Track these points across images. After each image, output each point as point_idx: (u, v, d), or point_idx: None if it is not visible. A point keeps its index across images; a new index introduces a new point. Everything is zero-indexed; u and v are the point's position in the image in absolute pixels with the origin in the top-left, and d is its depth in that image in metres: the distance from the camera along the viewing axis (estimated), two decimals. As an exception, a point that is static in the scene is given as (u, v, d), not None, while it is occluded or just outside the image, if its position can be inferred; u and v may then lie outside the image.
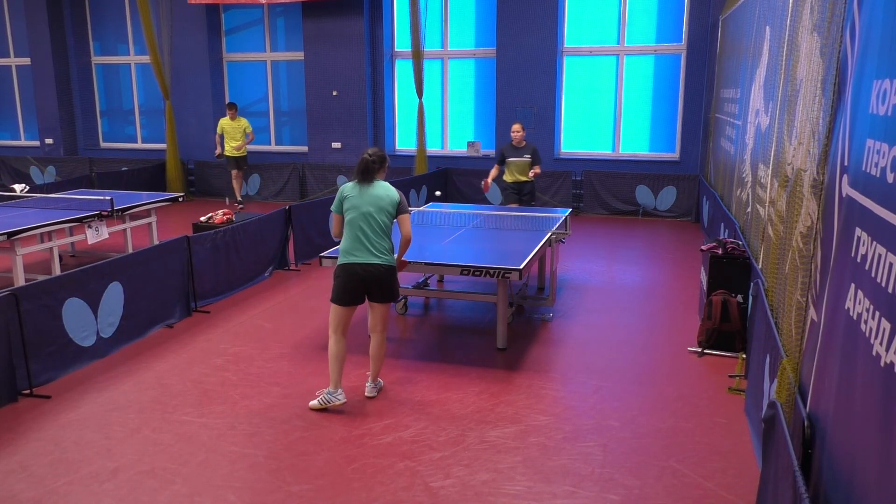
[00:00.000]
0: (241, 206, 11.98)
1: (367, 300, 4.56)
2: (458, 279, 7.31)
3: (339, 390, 4.50)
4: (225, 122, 11.71)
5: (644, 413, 4.47)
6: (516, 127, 8.00)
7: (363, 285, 4.44)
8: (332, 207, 4.55)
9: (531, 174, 7.91)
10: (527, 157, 7.96)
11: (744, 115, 6.87)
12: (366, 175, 4.45)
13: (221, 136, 11.81)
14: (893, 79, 2.13)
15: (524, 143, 8.02)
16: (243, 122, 11.78)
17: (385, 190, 4.47)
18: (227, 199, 12.82)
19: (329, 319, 4.57)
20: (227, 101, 13.78)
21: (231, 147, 11.72)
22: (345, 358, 4.54)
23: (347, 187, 4.49)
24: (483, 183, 8.05)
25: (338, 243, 4.72)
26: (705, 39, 10.94)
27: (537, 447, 4.04)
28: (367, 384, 4.75)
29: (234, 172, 12.00)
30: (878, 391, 2.01)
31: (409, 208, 4.62)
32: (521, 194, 8.15)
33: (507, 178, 8.15)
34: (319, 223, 8.64)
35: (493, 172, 8.12)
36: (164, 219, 10.40)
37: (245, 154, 11.99)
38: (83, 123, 14.51)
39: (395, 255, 4.61)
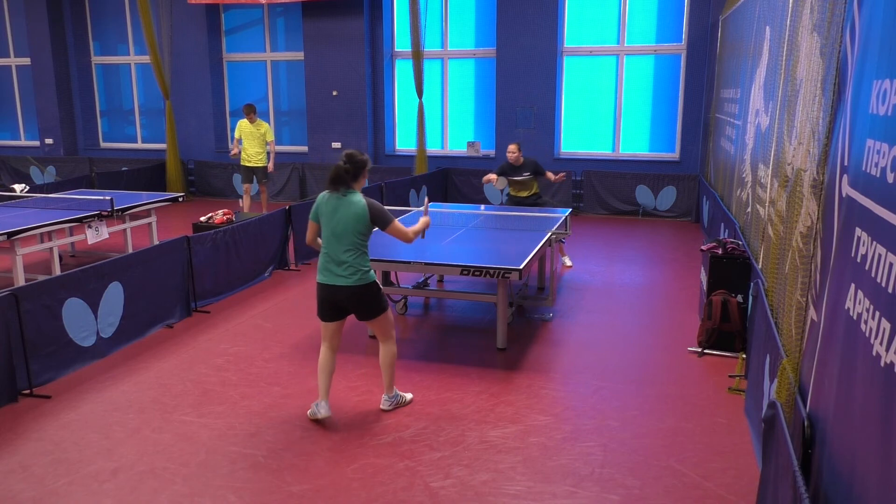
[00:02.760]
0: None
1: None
2: (458, 279, 7.31)
3: (323, 403, 4.32)
4: (244, 126, 10.36)
5: (644, 413, 4.47)
6: (512, 147, 7.97)
7: (338, 304, 4.25)
8: (311, 215, 4.28)
9: (556, 178, 8.01)
10: (527, 175, 8.01)
11: (744, 115, 6.87)
12: (335, 183, 4.14)
13: (240, 142, 10.47)
14: (893, 79, 2.13)
15: (522, 160, 8.03)
16: (264, 127, 10.38)
17: (355, 206, 4.12)
18: (240, 204, 11.14)
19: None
20: (228, 101, 13.78)
21: (246, 155, 10.41)
22: (332, 370, 4.38)
23: (323, 197, 4.23)
24: (487, 179, 7.94)
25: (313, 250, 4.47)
26: (705, 39, 10.94)
27: (537, 447, 4.04)
28: (383, 396, 4.55)
29: (246, 187, 10.58)
30: (878, 391, 2.01)
31: (392, 217, 4.27)
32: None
33: (511, 192, 8.22)
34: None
35: (493, 177, 8.02)
36: (164, 219, 10.40)
37: (264, 165, 10.49)
38: (83, 123, 14.51)
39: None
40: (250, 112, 10.30)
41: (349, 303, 4.23)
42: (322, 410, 4.31)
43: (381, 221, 4.22)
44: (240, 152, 10.51)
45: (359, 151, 4.25)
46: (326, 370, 4.35)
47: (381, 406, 4.52)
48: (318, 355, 4.45)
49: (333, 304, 4.25)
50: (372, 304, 4.26)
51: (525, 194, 8.14)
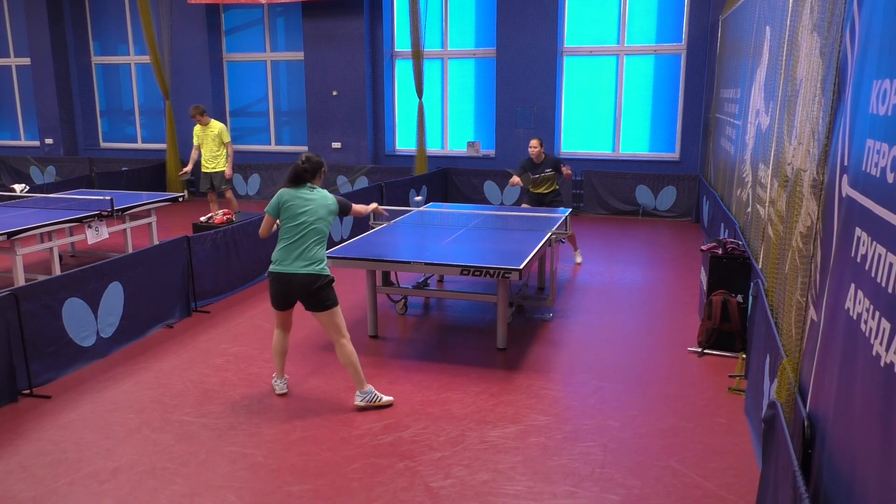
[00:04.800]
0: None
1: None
2: (458, 279, 7.30)
3: (278, 381, 4.77)
4: (197, 130, 9.46)
5: (644, 413, 4.47)
6: (534, 143, 7.92)
7: (290, 294, 4.44)
8: (267, 209, 4.47)
9: (565, 172, 7.92)
10: (549, 172, 7.99)
11: (744, 115, 6.87)
12: (298, 181, 4.43)
13: (199, 150, 9.56)
14: (893, 79, 2.13)
15: (543, 156, 7.99)
16: (217, 128, 9.36)
17: (323, 198, 4.45)
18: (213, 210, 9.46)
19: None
20: (228, 101, 13.77)
21: (203, 160, 9.53)
22: (285, 352, 4.75)
23: (286, 193, 4.42)
24: (511, 181, 7.84)
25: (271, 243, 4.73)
26: (705, 39, 10.94)
27: (537, 447, 4.04)
28: (356, 392, 4.54)
29: (210, 195, 9.74)
30: (878, 391, 2.01)
31: (349, 202, 4.76)
32: (541, 203, 8.16)
33: (531, 188, 8.17)
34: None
35: (517, 179, 7.96)
36: (164, 219, 10.40)
37: (222, 170, 9.47)
38: (83, 123, 14.51)
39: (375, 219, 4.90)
40: (196, 113, 9.26)
41: (301, 291, 4.41)
42: (277, 386, 4.75)
43: (345, 208, 4.72)
44: (196, 166, 9.67)
45: (315, 153, 4.61)
46: (279, 352, 4.73)
47: (355, 402, 4.53)
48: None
49: (286, 293, 4.47)
50: (322, 295, 4.41)
51: (545, 191, 8.11)
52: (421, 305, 6.82)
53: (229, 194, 9.66)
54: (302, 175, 4.43)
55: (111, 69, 14.48)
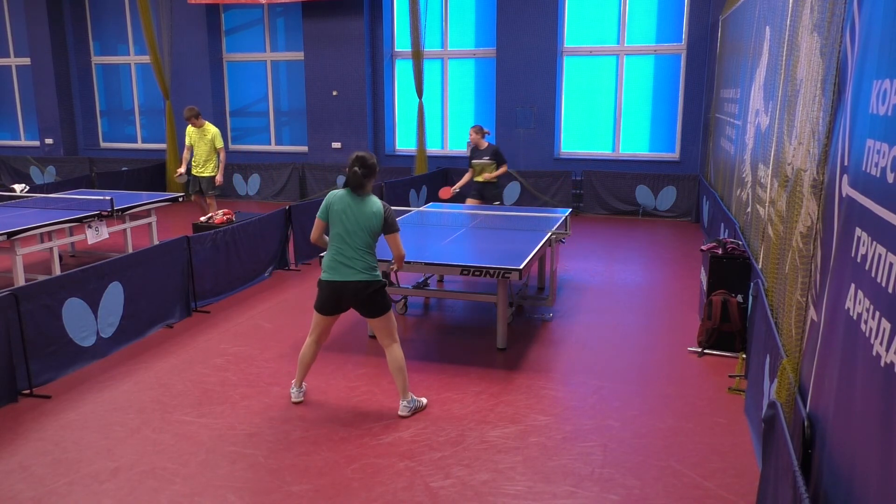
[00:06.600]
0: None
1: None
2: (458, 279, 7.30)
3: (296, 389, 4.63)
4: (191, 132, 9.17)
5: (644, 413, 4.47)
6: (470, 131, 8.30)
7: (342, 301, 4.32)
8: (319, 213, 4.34)
9: (491, 176, 8.22)
10: (486, 160, 8.23)
11: (744, 115, 6.87)
12: (357, 189, 4.26)
13: (191, 150, 9.24)
14: (893, 79, 2.13)
15: (485, 144, 8.27)
16: (211, 132, 9.11)
17: (372, 207, 4.26)
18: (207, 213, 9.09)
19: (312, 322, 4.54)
20: (228, 101, 13.77)
21: (194, 163, 9.25)
22: (311, 362, 4.59)
23: (336, 196, 4.30)
24: (445, 189, 8.47)
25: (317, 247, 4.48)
26: (705, 39, 10.94)
27: (537, 447, 4.04)
28: (400, 402, 4.45)
29: (195, 197, 9.43)
30: (878, 391, 2.01)
31: (398, 226, 4.41)
32: (482, 195, 8.42)
33: (475, 178, 8.44)
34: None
35: (466, 177, 8.49)
36: (164, 219, 10.40)
37: (213, 175, 9.18)
38: (83, 123, 14.51)
39: (391, 264, 4.66)
40: (192, 115, 9.01)
41: (355, 298, 4.29)
42: (294, 395, 4.63)
43: (390, 227, 4.36)
44: (189, 169, 9.35)
45: (368, 153, 4.31)
46: (304, 362, 4.58)
47: (400, 412, 4.42)
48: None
49: (338, 299, 4.32)
50: (377, 301, 4.32)
51: (483, 180, 8.29)
52: (421, 305, 6.82)
53: (211, 200, 9.32)
54: (362, 182, 4.22)
55: (111, 69, 14.48)
